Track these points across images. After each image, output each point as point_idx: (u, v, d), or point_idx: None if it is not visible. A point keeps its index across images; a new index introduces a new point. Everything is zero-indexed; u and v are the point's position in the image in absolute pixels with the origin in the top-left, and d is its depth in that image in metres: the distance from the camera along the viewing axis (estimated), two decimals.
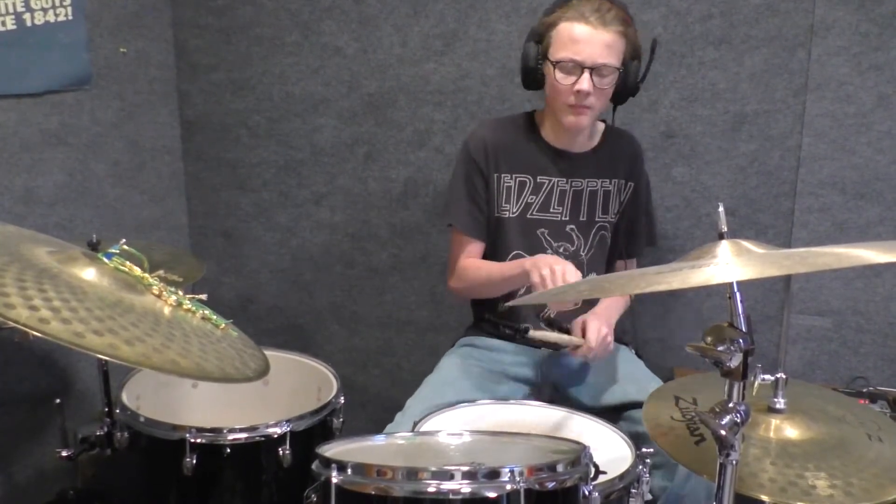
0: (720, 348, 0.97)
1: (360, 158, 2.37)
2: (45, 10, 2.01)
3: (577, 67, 1.63)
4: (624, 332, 1.90)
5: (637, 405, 1.48)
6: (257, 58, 2.39)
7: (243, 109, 2.45)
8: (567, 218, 1.81)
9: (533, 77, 1.73)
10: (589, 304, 1.77)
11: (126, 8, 2.26)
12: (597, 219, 1.83)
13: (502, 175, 1.79)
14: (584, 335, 1.63)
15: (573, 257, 1.81)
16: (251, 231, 2.54)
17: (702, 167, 2.09)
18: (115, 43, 2.24)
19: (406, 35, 2.24)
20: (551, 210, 1.81)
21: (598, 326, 1.63)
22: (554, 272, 1.53)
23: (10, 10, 1.95)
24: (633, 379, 1.72)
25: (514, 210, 1.80)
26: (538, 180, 1.80)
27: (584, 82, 1.63)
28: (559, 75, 1.65)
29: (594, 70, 1.63)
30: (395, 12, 2.23)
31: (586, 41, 1.62)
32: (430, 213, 2.34)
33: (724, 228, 1.11)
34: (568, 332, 1.65)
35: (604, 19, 1.62)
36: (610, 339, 1.66)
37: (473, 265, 1.83)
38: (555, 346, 1.69)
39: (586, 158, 1.82)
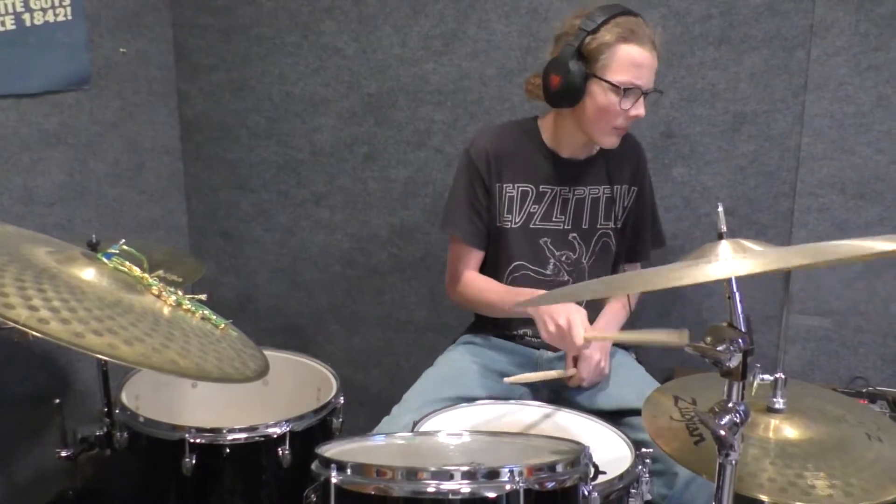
0: (720, 348, 0.97)
1: (359, 158, 2.37)
2: (44, 10, 2.01)
3: (637, 92, 1.62)
4: None
5: (635, 412, 1.47)
6: (257, 58, 2.39)
7: (243, 109, 2.45)
8: (569, 226, 1.81)
9: (574, 95, 1.64)
10: (591, 311, 1.77)
11: (126, 8, 2.26)
12: (598, 226, 1.82)
13: (504, 185, 1.78)
14: (575, 364, 1.67)
15: (575, 265, 1.81)
16: (251, 231, 2.54)
17: (701, 167, 2.08)
18: (115, 43, 2.24)
19: (406, 35, 2.24)
20: (553, 219, 1.80)
21: (591, 354, 1.65)
22: (561, 327, 1.56)
23: (10, 10, 1.95)
24: (632, 384, 1.71)
25: (517, 220, 1.79)
26: (540, 189, 1.79)
27: (642, 107, 1.63)
28: (623, 100, 1.61)
29: (646, 95, 1.64)
30: (394, 12, 2.23)
31: (647, 66, 1.61)
32: (430, 213, 2.33)
33: (724, 228, 1.12)
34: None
35: (654, 44, 1.62)
36: (604, 363, 1.68)
37: (476, 286, 1.82)
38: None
39: (590, 165, 1.81)
